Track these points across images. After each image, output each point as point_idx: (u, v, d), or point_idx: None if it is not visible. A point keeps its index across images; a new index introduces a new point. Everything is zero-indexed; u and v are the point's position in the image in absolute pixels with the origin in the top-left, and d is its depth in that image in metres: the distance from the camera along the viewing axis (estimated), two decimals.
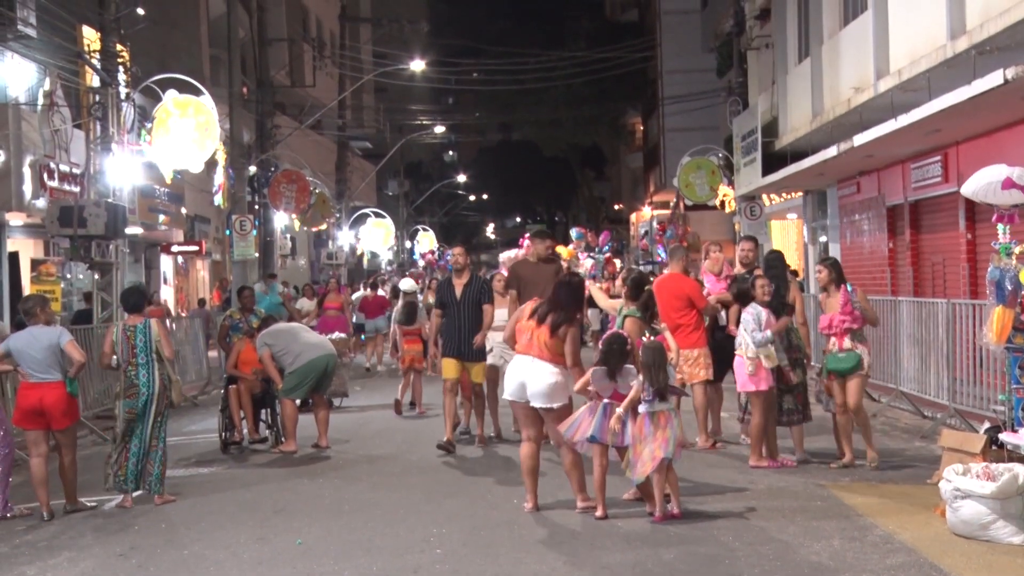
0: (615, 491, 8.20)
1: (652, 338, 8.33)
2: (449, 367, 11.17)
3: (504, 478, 9.47)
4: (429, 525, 7.86)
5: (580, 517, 7.86)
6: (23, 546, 7.86)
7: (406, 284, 16.16)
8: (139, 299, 9.71)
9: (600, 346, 8.14)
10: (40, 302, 9.25)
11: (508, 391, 8.18)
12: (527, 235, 34.39)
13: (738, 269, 11.07)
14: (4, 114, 17.49)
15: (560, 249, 25.88)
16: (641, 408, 7.77)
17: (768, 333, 9.33)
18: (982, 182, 8.33)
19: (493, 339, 11.21)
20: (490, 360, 11.41)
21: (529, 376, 7.97)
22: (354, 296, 23.15)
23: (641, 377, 7.81)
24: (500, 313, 11.27)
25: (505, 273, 12.35)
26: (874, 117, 14.78)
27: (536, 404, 7.97)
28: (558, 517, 7.93)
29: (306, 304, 21.58)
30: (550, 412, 7.96)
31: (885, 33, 14.93)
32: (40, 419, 8.77)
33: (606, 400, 7.88)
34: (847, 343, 9.34)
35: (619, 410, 7.78)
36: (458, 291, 11.22)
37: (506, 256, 20.63)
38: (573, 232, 27.12)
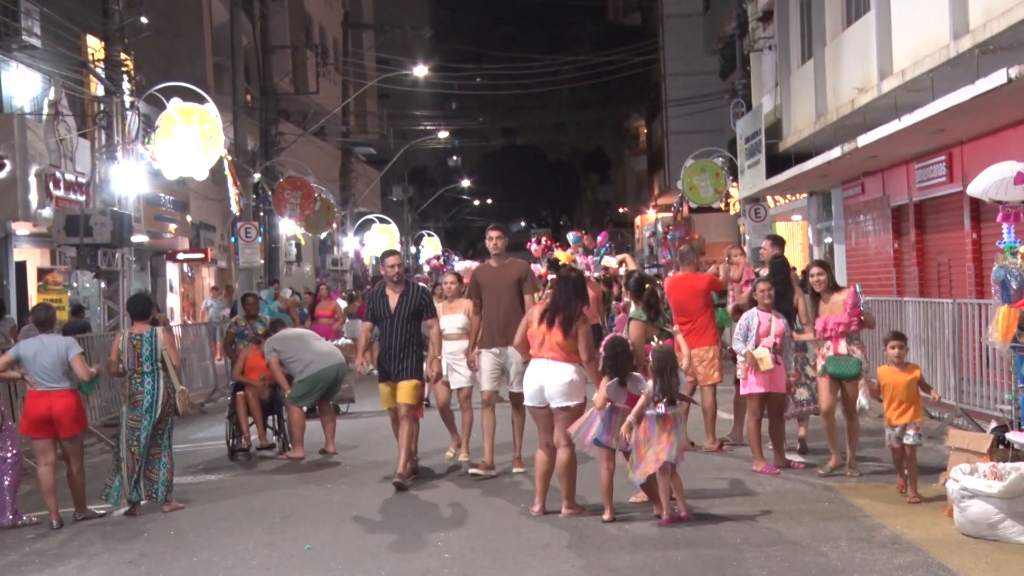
0: (622, 495, 8.21)
1: (661, 342, 8.31)
2: (385, 396, 9.74)
3: (511, 482, 9.48)
4: (437, 529, 7.88)
5: (588, 520, 7.87)
6: (33, 554, 7.88)
7: None
8: (146, 307, 9.74)
9: (603, 352, 8.12)
10: (51, 310, 9.29)
11: (527, 396, 8.20)
12: (533, 239, 34.39)
13: (763, 270, 11.03)
14: (9, 124, 17.55)
15: (559, 254, 25.81)
16: (648, 411, 7.78)
17: (759, 349, 9.35)
18: (992, 179, 8.31)
19: (445, 349, 10.20)
20: (450, 381, 10.40)
21: (547, 377, 8.01)
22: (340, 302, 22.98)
23: (651, 382, 7.82)
24: (454, 319, 10.34)
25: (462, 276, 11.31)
26: (878, 118, 14.78)
27: (555, 404, 8.00)
28: (565, 521, 7.94)
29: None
30: (565, 411, 7.98)
31: (888, 33, 14.94)
32: (48, 428, 8.78)
33: (615, 404, 7.90)
34: (843, 347, 9.04)
35: (630, 417, 7.78)
36: (392, 303, 9.68)
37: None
38: (570, 236, 27.08)
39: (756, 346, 9.39)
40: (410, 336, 9.66)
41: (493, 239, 9.99)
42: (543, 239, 33.43)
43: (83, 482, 8.97)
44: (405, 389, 9.58)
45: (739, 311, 10.51)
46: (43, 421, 8.75)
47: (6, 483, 8.81)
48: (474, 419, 10.29)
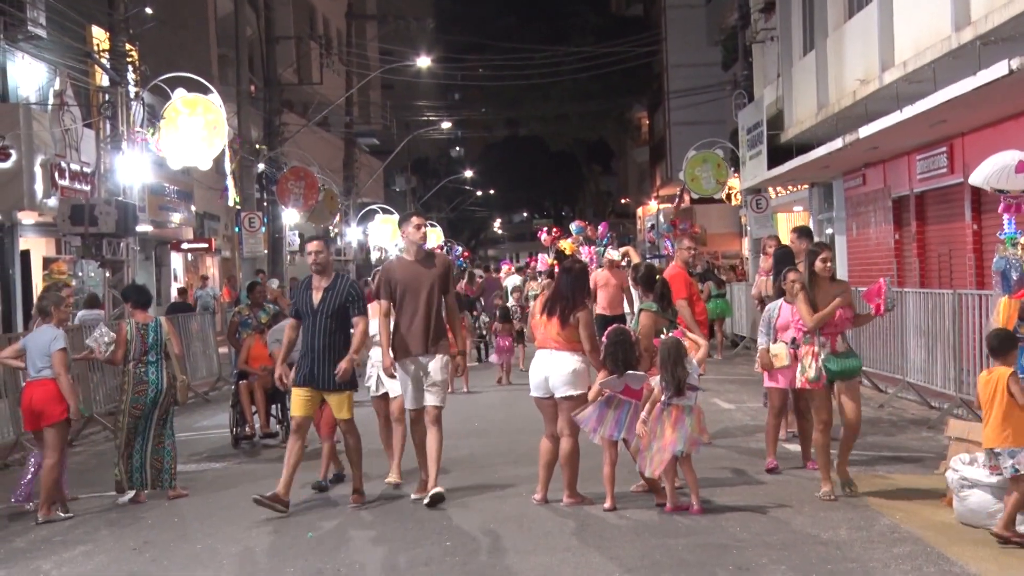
0: (623, 484, 8.22)
1: (670, 333, 8.25)
2: (297, 401, 8.38)
3: (513, 471, 9.47)
4: (439, 517, 7.87)
5: (589, 509, 7.89)
6: (39, 541, 7.90)
7: None
8: (149, 297, 9.80)
9: (604, 339, 8.11)
10: (55, 301, 9.25)
11: (533, 387, 8.17)
12: (543, 229, 34.37)
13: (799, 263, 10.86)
14: (15, 114, 17.56)
15: (562, 243, 25.88)
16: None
17: (776, 344, 9.06)
18: (994, 168, 8.26)
19: (376, 358, 9.03)
20: (376, 391, 9.24)
21: (551, 368, 8.00)
22: None
23: (659, 376, 7.80)
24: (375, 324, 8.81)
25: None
26: (879, 109, 14.76)
27: (559, 394, 7.98)
28: (567, 509, 7.95)
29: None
30: (570, 400, 7.97)
31: (890, 25, 14.91)
32: (33, 418, 8.69)
33: (611, 394, 7.92)
34: (840, 344, 8.07)
35: (643, 414, 7.77)
36: (316, 297, 8.38)
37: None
38: (573, 226, 27.17)
39: (775, 340, 9.09)
40: (336, 337, 8.34)
41: (420, 228, 8.54)
42: (553, 229, 33.54)
43: (51, 481, 8.48)
44: (339, 404, 8.37)
45: (761, 301, 10.32)
46: (27, 411, 8.74)
47: (32, 472, 8.83)
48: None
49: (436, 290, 8.40)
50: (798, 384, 8.27)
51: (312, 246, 8.52)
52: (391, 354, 8.35)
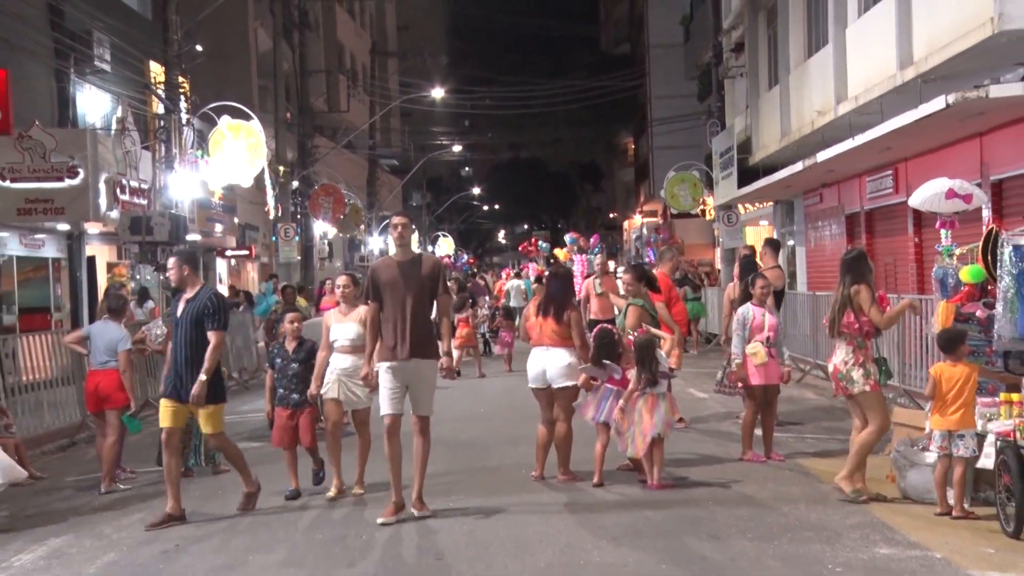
0: (611, 463, 8.23)
1: (635, 334, 8.25)
2: (163, 412, 7.26)
3: (513, 452, 9.48)
4: (449, 493, 7.87)
5: (580, 485, 7.90)
6: (100, 508, 7.95)
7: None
8: None
9: (592, 339, 8.16)
10: (126, 302, 9.36)
11: (531, 379, 8.16)
12: (535, 239, 34.41)
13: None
14: (83, 138, 17.60)
15: (557, 252, 25.91)
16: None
17: (752, 344, 8.76)
18: (927, 194, 8.30)
19: (336, 365, 7.86)
20: (332, 394, 7.86)
21: (548, 362, 8.00)
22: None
23: (635, 371, 7.82)
24: (346, 329, 7.83)
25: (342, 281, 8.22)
26: (834, 136, 14.80)
27: (555, 385, 7.98)
28: (561, 485, 7.96)
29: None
30: (564, 390, 7.98)
31: (843, 64, 14.93)
32: (98, 402, 8.80)
33: (603, 383, 7.95)
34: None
35: (621, 402, 7.80)
36: (180, 308, 7.34)
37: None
38: (567, 238, 27.25)
39: (749, 341, 8.86)
40: (196, 349, 7.17)
41: (399, 228, 7.14)
42: (531, 240, 33.61)
43: (114, 455, 8.63)
44: (205, 419, 7.30)
45: (732, 303, 10.21)
46: (93, 396, 8.84)
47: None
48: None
49: (423, 293, 7.02)
50: (867, 388, 7.28)
51: (170, 262, 7.54)
52: (374, 360, 7.08)
